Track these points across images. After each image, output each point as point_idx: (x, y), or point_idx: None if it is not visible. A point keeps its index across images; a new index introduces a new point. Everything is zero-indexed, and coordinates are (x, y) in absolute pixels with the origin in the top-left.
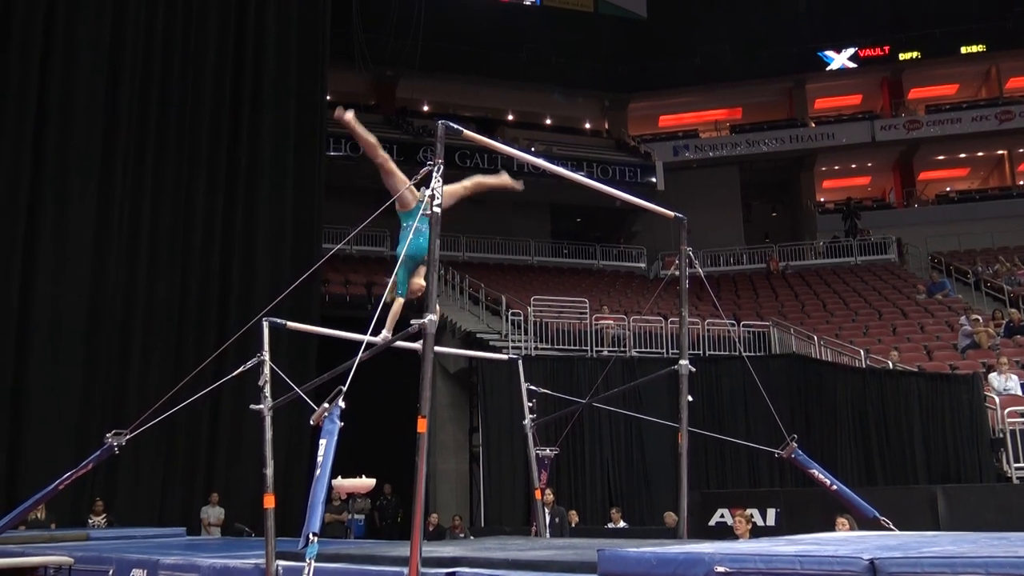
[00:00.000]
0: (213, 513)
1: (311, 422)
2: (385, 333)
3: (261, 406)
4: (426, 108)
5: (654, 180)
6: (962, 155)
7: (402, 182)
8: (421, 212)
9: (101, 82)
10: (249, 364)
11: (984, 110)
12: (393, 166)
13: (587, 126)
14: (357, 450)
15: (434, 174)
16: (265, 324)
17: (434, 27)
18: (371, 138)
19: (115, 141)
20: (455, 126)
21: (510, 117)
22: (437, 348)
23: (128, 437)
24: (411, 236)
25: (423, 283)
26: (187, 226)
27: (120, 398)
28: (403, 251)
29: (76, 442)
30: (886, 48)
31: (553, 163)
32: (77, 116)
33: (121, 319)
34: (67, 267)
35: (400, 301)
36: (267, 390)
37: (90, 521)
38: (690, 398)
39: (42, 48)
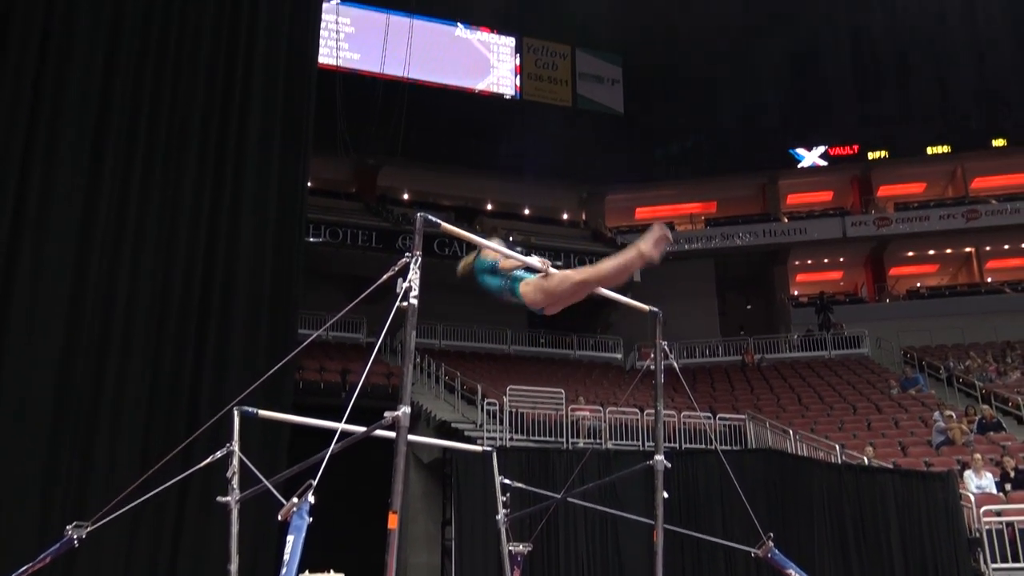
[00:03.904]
0: None
1: (279, 517)
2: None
3: (228, 498)
4: (406, 196)
5: None
6: (931, 252)
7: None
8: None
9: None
10: (218, 455)
11: (951, 208)
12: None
13: (565, 216)
14: (326, 543)
15: (412, 266)
16: (236, 413)
17: (416, 117)
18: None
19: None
20: (433, 219)
21: (489, 207)
22: (411, 437)
23: (89, 529)
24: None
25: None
26: (163, 310)
27: (84, 482)
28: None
29: (38, 532)
30: (855, 147)
31: (531, 253)
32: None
33: (90, 396)
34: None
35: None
36: (235, 482)
37: None
38: (666, 494)
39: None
